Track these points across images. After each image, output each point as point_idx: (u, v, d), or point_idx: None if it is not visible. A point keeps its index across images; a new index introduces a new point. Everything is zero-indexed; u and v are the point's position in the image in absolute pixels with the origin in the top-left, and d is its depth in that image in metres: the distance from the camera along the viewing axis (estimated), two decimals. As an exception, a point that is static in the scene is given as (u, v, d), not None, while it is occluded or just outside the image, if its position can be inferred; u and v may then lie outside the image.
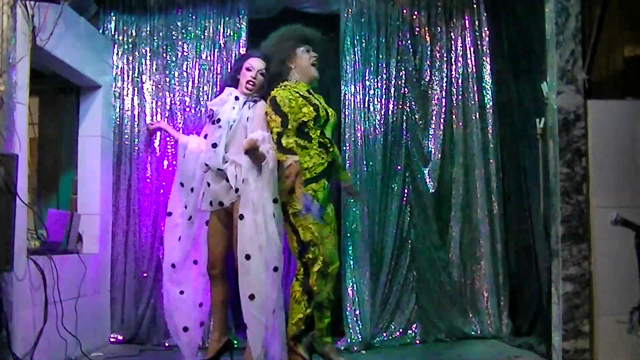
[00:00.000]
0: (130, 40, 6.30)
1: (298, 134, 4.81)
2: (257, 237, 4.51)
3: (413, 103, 6.38)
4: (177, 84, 6.21)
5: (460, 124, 6.39)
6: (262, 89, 5.01)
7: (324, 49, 5.19)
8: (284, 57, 4.97)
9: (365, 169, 6.12)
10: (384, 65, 6.30)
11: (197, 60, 6.23)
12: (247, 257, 4.49)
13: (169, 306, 4.99)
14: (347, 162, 6.04)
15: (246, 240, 4.51)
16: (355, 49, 6.26)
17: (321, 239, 4.75)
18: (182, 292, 4.97)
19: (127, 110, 6.24)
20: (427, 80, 6.44)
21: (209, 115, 5.07)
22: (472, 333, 6.15)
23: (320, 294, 4.81)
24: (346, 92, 6.20)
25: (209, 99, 5.90)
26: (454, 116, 6.41)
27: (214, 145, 4.86)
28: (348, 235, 6.03)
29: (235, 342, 5.22)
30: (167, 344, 5.89)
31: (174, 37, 6.26)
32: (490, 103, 6.42)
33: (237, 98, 4.97)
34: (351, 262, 6.00)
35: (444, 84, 6.42)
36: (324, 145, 4.86)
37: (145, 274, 6.06)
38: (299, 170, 4.69)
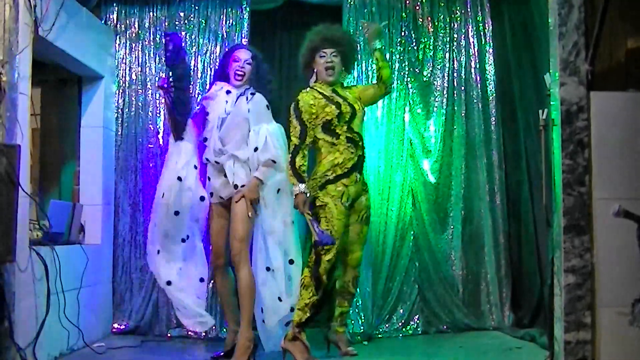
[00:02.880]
0: (132, 31, 6.30)
1: (325, 132, 5.02)
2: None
3: (415, 94, 6.37)
4: (179, 74, 6.19)
5: (463, 115, 6.39)
6: (253, 80, 5.09)
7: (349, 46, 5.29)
8: (306, 63, 5.21)
9: (367, 160, 6.11)
10: (386, 56, 6.29)
11: (200, 50, 6.23)
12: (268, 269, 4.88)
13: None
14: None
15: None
16: (358, 39, 6.24)
17: (340, 233, 4.90)
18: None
19: (130, 101, 6.25)
20: (429, 71, 6.44)
21: (201, 110, 5.17)
22: (474, 325, 6.15)
23: (338, 281, 5.12)
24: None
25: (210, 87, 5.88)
26: (456, 107, 6.40)
27: (205, 140, 5.02)
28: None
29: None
30: (169, 335, 5.91)
31: (176, 28, 6.25)
32: (493, 94, 6.42)
33: (228, 92, 5.05)
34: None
35: (446, 75, 6.42)
36: (352, 140, 5.04)
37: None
38: (304, 200, 4.85)
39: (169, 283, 4.98)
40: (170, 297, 5.08)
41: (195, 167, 5.05)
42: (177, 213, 4.96)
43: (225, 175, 4.92)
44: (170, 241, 4.99)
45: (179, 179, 4.95)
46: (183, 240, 5.03)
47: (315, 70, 5.18)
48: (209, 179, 5.04)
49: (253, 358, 4.82)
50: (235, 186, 4.84)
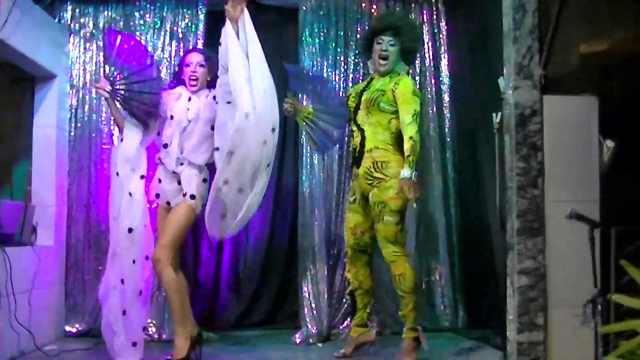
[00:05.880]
0: (86, 30, 6.23)
1: None
2: None
3: (371, 96, 6.39)
4: (134, 74, 6.14)
5: (417, 117, 6.42)
6: (210, 82, 4.92)
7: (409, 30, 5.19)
8: (364, 47, 5.22)
9: (316, 164, 6.15)
10: (342, 58, 6.31)
11: (155, 51, 6.17)
12: None
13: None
14: (303, 156, 6.11)
15: None
16: (314, 41, 6.27)
17: (347, 228, 5.17)
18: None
19: (84, 101, 6.18)
20: (385, 73, 6.46)
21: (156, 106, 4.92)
22: (428, 325, 6.16)
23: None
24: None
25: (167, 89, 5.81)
26: (411, 110, 6.43)
27: (165, 146, 4.81)
28: (304, 227, 6.09)
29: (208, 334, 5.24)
30: (122, 337, 5.85)
31: (132, 28, 6.20)
32: (448, 98, 6.47)
33: (190, 99, 4.88)
34: (307, 255, 6.06)
35: (402, 78, 6.44)
36: (352, 134, 5.11)
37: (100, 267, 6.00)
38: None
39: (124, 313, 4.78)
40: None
41: (142, 177, 4.82)
42: (130, 230, 4.72)
43: (179, 183, 4.79)
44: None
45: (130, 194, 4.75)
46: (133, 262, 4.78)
47: (372, 58, 5.12)
48: (160, 180, 4.87)
49: (200, 353, 4.82)
50: (184, 194, 4.77)
